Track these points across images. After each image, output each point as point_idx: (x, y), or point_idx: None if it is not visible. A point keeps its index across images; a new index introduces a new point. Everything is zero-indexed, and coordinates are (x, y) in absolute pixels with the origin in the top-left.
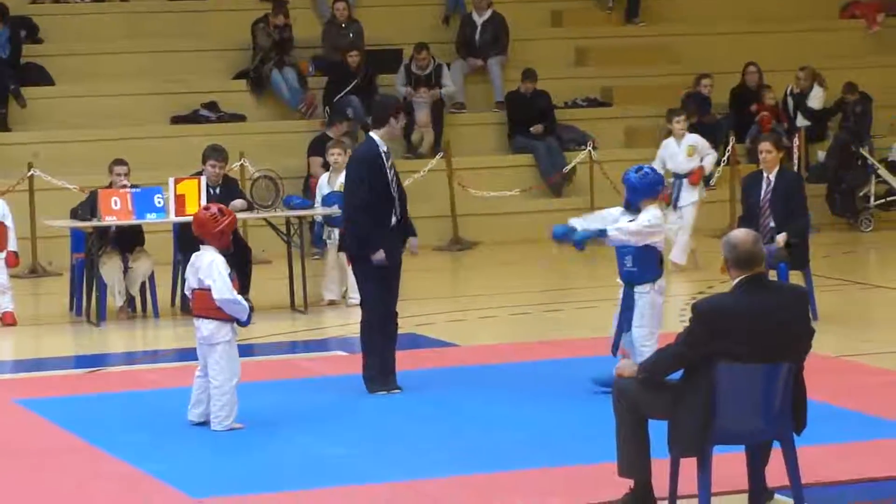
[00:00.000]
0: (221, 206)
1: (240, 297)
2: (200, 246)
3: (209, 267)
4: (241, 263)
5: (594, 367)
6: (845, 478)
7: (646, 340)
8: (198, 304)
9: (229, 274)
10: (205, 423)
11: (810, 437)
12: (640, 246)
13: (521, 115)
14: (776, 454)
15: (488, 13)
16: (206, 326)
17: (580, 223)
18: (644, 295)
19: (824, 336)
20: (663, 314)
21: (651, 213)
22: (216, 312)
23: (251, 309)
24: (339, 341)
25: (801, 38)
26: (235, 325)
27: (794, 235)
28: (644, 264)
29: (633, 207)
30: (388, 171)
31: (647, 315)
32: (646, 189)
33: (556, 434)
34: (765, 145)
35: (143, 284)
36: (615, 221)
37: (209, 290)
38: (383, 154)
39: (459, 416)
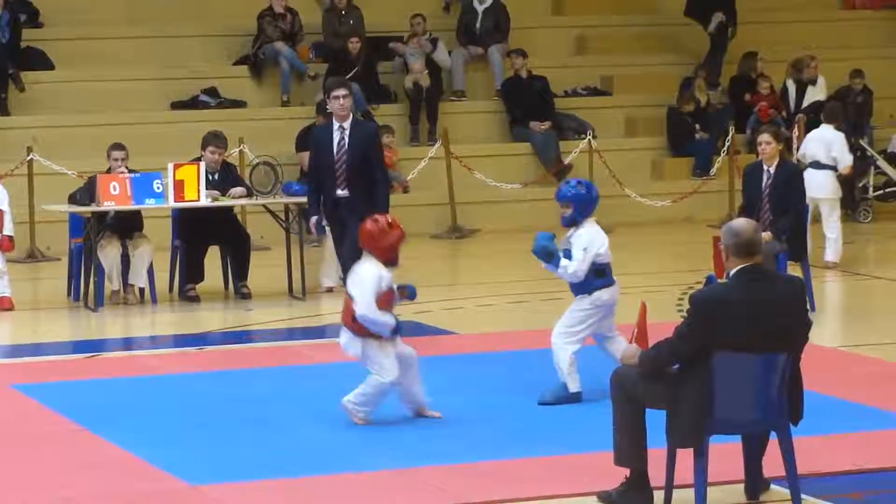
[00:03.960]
0: (393, 219)
1: (382, 316)
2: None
3: (358, 280)
4: (239, 250)
5: (581, 358)
6: (842, 469)
7: (556, 338)
8: (343, 312)
9: (388, 287)
10: (419, 416)
11: (807, 428)
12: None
13: (520, 102)
14: (772, 445)
15: (489, 1)
16: (343, 334)
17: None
18: (577, 302)
19: (822, 327)
20: (591, 326)
21: (585, 238)
22: (351, 324)
23: (398, 324)
24: (337, 328)
25: (802, 29)
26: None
27: (781, 232)
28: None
29: (579, 224)
30: (334, 146)
31: (568, 316)
32: (595, 201)
33: (553, 423)
34: (764, 137)
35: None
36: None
37: (353, 299)
38: (336, 131)
39: (457, 404)
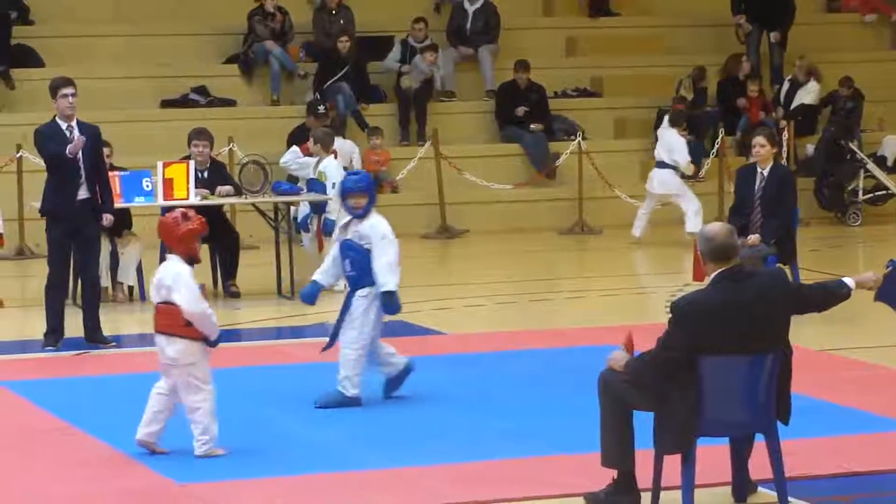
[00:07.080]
0: (188, 211)
1: (211, 311)
2: (166, 256)
3: (175, 279)
4: (228, 249)
5: (569, 359)
6: (828, 472)
7: (352, 343)
8: (162, 321)
9: (200, 287)
10: (149, 445)
11: (794, 431)
12: (361, 251)
13: (513, 107)
14: (760, 447)
15: (480, 2)
16: (172, 347)
17: (320, 276)
18: (360, 299)
19: (809, 330)
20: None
21: (383, 226)
22: (183, 330)
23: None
24: (325, 328)
25: (791, 31)
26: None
27: (769, 236)
28: (362, 269)
29: (370, 213)
30: (66, 146)
31: (357, 318)
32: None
33: (541, 423)
34: (759, 140)
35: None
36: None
37: (175, 305)
38: (65, 130)
39: (444, 405)
